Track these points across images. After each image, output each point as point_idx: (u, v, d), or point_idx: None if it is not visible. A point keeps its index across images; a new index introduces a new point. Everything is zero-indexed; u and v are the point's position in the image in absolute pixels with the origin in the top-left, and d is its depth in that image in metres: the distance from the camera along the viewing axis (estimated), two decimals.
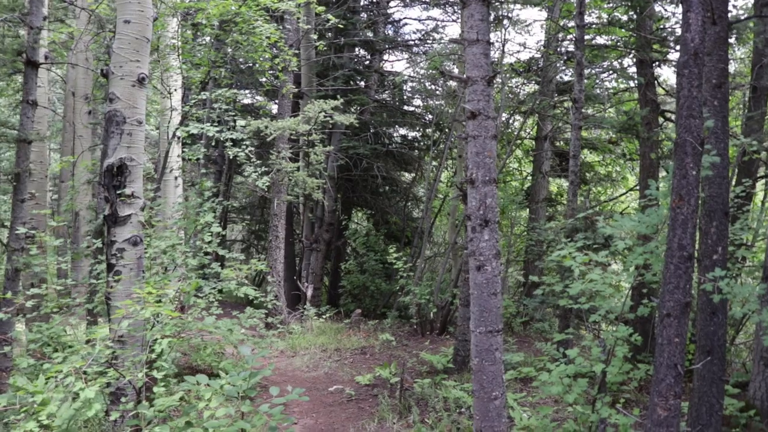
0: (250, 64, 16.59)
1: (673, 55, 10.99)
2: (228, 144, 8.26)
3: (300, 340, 12.02)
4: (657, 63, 10.05)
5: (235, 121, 8.24)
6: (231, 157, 9.51)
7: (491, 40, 4.33)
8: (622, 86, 13.01)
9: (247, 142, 8.64)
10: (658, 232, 4.47)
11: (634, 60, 10.30)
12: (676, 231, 3.90)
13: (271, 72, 12.52)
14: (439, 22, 19.69)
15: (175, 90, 9.55)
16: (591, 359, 4.47)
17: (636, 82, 10.17)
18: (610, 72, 11.64)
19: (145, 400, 5.23)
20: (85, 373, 4.84)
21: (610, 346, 4.42)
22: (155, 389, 4.98)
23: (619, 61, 11.56)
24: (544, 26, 14.83)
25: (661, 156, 9.75)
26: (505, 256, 18.30)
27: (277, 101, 14.61)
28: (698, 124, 4.08)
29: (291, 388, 4.79)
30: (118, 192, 5.65)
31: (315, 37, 12.90)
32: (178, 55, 8.64)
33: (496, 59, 12.95)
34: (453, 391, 7.59)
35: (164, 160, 8.93)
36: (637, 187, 15.62)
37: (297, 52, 11.81)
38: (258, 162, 8.99)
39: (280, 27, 10.93)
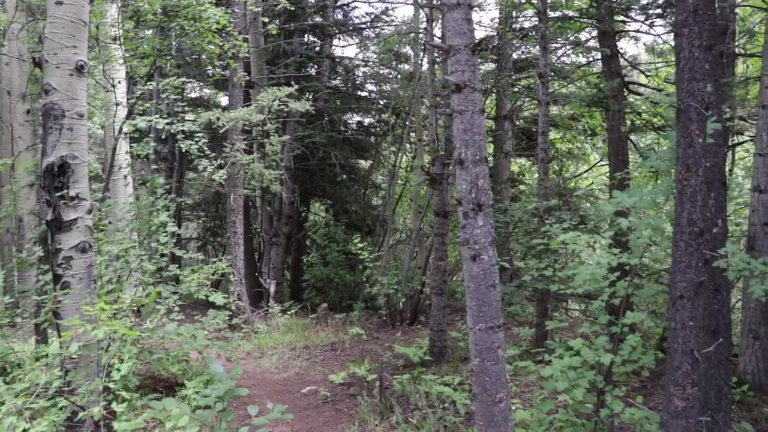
0: (197, 56, 15.89)
1: (633, 26, 10.80)
2: (180, 137, 7.69)
3: (267, 339, 11.51)
4: (618, 34, 9.80)
5: (185, 112, 7.66)
6: (182, 152, 8.94)
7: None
8: (581, 60, 12.77)
9: (201, 135, 8.07)
10: (658, 206, 4.14)
11: (596, 32, 10.04)
12: (685, 205, 3.56)
13: (220, 63, 11.87)
14: (389, 5, 19.12)
15: (119, 82, 8.90)
16: (593, 348, 4.12)
17: (600, 54, 9.90)
18: (573, 46, 11.37)
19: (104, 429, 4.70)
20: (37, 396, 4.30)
21: (617, 333, 4.08)
22: (115, 425, 4.45)
23: (578, 35, 11.29)
24: (499, 3, 14.50)
25: (632, 129, 9.52)
26: None
27: (227, 92, 13.97)
28: (701, 87, 3.75)
29: (268, 401, 4.32)
30: (60, 194, 5.07)
31: (265, 20, 12.28)
32: (120, 45, 7.98)
33: None
34: (434, 387, 7.21)
35: (111, 157, 8.29)
36: (603, 163, 15.52)
37: (246, 37, 11.19)
38: (212, 155, 8.42)
39: (228, 11, 10.31)
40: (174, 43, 8.48)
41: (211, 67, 13.45)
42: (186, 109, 7.91)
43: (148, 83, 8.21)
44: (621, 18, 10.49)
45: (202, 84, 16.18)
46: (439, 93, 8.47)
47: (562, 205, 8.05)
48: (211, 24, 7.80)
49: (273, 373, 9.65)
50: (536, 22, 13.70)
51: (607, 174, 16.30)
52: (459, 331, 9.68)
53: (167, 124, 7.34)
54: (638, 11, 9.18)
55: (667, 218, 4.21)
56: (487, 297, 3.63)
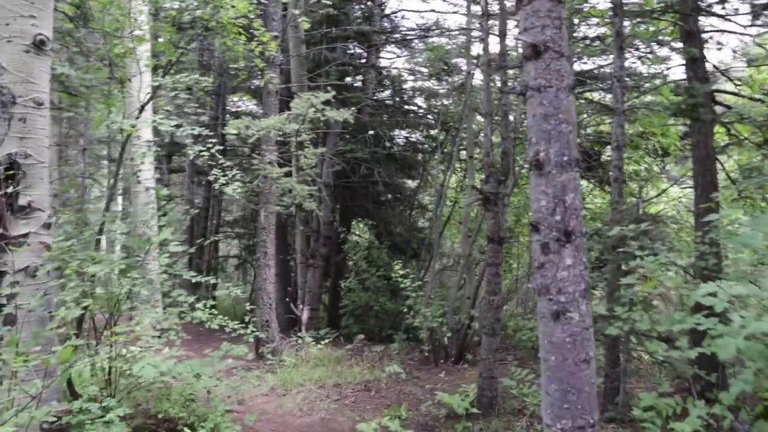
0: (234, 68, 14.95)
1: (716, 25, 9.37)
2: (189, 142, 6.58)
3: (294, 373, 10.28)
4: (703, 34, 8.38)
5: (198, 114, 6.56)
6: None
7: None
8: (657, 68, 11.29)
9: (214, 140, 6.94)
10: None
11: (679, 31, 8.63)
12: None
13: (252, 65, 10.79)
14: (440, 15, 17.95)
15: (134, 76, 7.86)
16: None
17: (684, 58, 8.46)
18: (656, 44, 9.92)
19: None
20: None
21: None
22: None
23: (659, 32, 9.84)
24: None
25: (726, 145, 8.05)
26: (521, 268, 16.59)
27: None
28: None
29: None
30: (8, 202, 3.95)
31: (303, 20, 11.20)
32: (131, 33, 6.93)
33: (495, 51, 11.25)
34: None
35: (117, 165, 7.21)
36: (681, 182, 13.89)
37: (276, 35, 10.09)
38: (226, 164, 7.27)
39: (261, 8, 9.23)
40: (190, 34, 7.38)
41: (237, 70, 12.33)
42: (199, 111, 6.79)
43: (164, 76, 7.15)
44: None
45: (242, 98, 15.06)
46: (502, 89, 7.17)
47: (640, 233, 6.59)
48: (228, 10, 6.68)
49: (295, 416, 8.41)
50: (600, 31, 12.34)
51: (682, 198, 14.70)
52: (512, 377, 8.27)
53: (174, 126, 6.24)
54: (729, 10, 7.76)
55: None
56: (575, 378, 2.31)
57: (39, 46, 4.09)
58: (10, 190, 3.91)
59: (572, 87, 2.42)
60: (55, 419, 3.52)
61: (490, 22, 8.42)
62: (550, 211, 2.33)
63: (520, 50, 3.73)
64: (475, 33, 12.44)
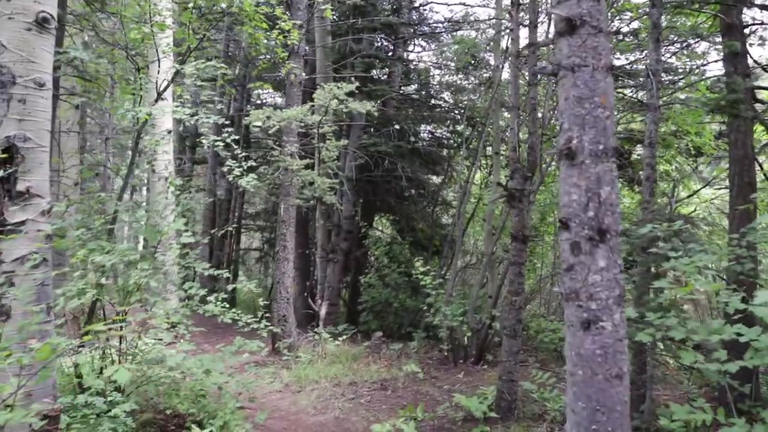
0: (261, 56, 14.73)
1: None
2: (204, 131, 6.35)
3: (309, 370, 10.08)
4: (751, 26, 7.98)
5: (213, 102, 6.34)
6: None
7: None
8: (693, 63, 10.87)
9: (231, 129, 6.70)
10: None
11: (720, 24, 8.23)
12: None
13: (273, 55, 10.54)
14: (469, 8, 17.58)
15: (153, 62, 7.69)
16: None
17: (724, 52, 8.06)
18: (694, 37, 9.49)
19: None
20: None
21: None
22: None
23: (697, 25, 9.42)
24: None
25: (766, 144, 7.66)
26: (545, 268, 16.21)
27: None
28: None
29: None
30: (5, 187, 3.76)
31: (327, 8, 10.94)
32: (150, 18, 6.74)
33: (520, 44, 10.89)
34: None
35: (133, 152, 7.04)
36: (714, 183, 13.42)
37: (298, 24, 9.83)
38: (242, 155, 7.03)
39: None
40: (210, 18, 7.17)
41: (259, 60, 12.08)
42: (216, 99, 6.57)
43: (181, 65, 6.95)
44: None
45: (264, 87, 14.77)
46: (533, 70, 6.85)
47: (672, 234, 6.24)
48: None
49: (309, 414, 8.20)
50: (634, 25, 11.92)
51: (715, 199, 14.21)
52: (533, 380, 7.97)
53: (190, 115, 6.03)
54: None
55: None
56: (606, 396, 2.03)
57: (42, 24, 3.90)
58: (7, 174, 3.72)
59: (610, 67, 2.14)
60: (45, 418, 3.32)
61: (521, 13, 8.10)
62: (582, 206, 2.05)
63: (552, 32, 3.46)
64: (505, 23, 12.09)
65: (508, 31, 11.75)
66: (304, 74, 11.49)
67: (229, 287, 6.67)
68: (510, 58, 8.24)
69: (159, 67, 7.19)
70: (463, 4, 16.76)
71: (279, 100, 20.41)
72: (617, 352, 2.07)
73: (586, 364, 2.07)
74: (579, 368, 2.08)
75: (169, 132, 9.62)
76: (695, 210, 13.88)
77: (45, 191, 3.96)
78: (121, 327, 5.71)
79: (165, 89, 7.06)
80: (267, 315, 8.24)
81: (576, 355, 2.10)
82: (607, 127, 2.09)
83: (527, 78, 9.00)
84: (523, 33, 9.57)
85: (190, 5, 7.37)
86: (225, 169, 7.21)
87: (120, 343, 6.47)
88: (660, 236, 5.48)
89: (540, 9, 8.87)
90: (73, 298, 4.59)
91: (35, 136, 3.85)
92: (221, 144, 6.35)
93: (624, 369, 2.08)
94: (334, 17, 12.19)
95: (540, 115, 9.19)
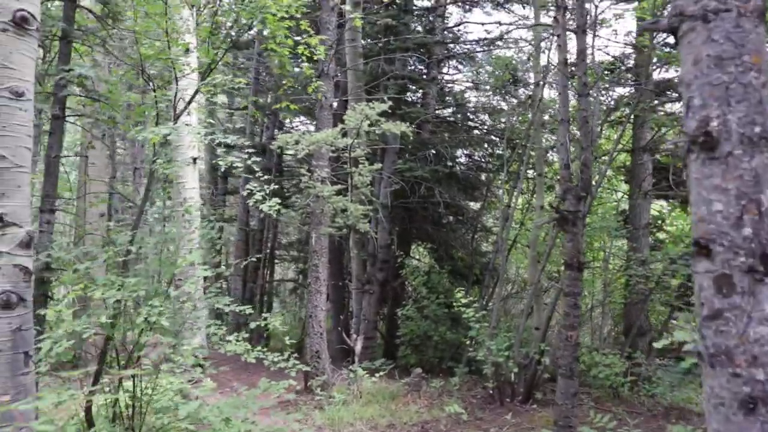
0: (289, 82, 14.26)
1: None
2: (220, 151, 5.75)
3: (343, 411, 9.33)
4: None
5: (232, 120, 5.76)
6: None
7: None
8: None
9: (251, 151, 6.11)
10: None
11: None
12: None
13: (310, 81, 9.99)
14: (504, 27, 16.96)
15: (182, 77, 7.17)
16: None
17: None
18: None
19: None
20: None
21: None
22: None
23: None
24: (637, 13, 11.98)
25: None
26: (596, 295, 15.26)
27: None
28: None
29: None
30: None
31: (356, 16, 10.41)
32: (166, 35, 6.23)
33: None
34: None
35: (149, 179, 6.48)
36: None
37: (324, 39, 9.29)
38: (264, 177, 6.43)
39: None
40: (232, 32, 6.64)
41: (285, 76, 11.54)
42: (234, 117, 5.99)
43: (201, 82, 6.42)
44: None
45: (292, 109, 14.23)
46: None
47: None
48: (272, 9, 5.89)
49: None
50: None
51: None
52: (591, 424, 7.11)
53: (206, 134, 5.46)
54: None
55: None
56: None
57: (20, 24, 3.33)
58: None
59: (763, 11, 1.44)
60: None
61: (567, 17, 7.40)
62: (732, 220, 1.34)
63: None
64: (545, 35, 11.43)
65: (552, 40, 11.11)
66: (335, 97, 10.94)
67: (252, 324, 5.98)
68: (557, 67, 7.53)
69: (176, 85, 6.64)
70: (499, 23, 16.19)
71: (311, 128, 20.01)
72: None
73: None
74: None
75: (195, 160, 9.11)
76: None
77: (24, 219, 3.36)
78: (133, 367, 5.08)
79: (184, 109, 6.51)
80: (295, 354, 7.57)
81: None
82: (764, 100, 1.38)
83: (576, 88, 8.29)
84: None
85: (211, 23, 6.89)
86: (245, 192, 6.62)
87: (134, 387, 5.86)
88: None
89: (588, 13, 8.18)
90: (60, 343, 3.97)
91: (11, 155, 3.27)
92: (240, 165, 5.75)
93: None
94: (366, 39, 11.66)
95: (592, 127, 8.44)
